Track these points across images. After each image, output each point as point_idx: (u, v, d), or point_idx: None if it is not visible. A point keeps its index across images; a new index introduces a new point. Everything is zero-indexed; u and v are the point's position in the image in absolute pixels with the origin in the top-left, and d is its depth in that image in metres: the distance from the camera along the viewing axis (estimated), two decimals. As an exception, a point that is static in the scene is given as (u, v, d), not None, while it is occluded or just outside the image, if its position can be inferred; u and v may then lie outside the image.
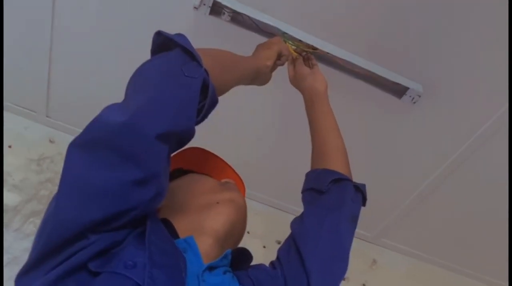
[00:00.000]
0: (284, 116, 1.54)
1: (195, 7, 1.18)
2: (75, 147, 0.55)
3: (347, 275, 1.80)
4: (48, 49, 1.47)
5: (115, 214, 0.53)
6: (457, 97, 1.35)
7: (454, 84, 1.32)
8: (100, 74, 1.51)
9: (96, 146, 0.54)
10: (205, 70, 0.62)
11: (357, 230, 1.99)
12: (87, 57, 1.47)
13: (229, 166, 0.93)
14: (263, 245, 1.74)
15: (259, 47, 0.99)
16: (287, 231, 0.81)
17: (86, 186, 0.53)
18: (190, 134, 0.61)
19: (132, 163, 0.54)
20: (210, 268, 0.63)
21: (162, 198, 0.59)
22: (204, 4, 1.20)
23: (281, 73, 1.04)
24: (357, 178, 0.87)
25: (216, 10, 1.22)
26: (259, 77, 0.92)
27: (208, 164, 0.91)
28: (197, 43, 0.67)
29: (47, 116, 1.71)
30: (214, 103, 0.65)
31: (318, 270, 0.70)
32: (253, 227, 1.73)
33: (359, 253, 1.90)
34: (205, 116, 0.64)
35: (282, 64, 1.02)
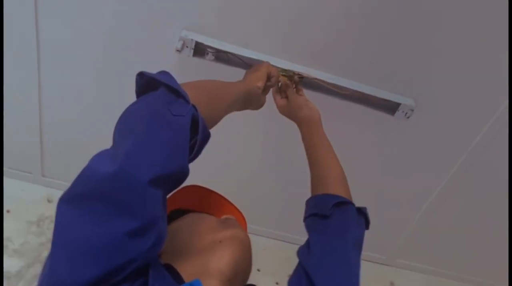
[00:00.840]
0: (282, 147, 1.53)
1: (177, 50, 1.19)
2: (64, 202, 0.52)
3: (366, 302, 1.76)
4: (37, 109, 1.48)
5: (114, 269, 0.50)
6: (450, 105, 1.35)
7: (446, 93, 1.32)
8: (90, 125, 1.51)
9: (87, 199, 0.52)
10: (193, 106, 0.61)
11: (370, 254, 1.96)
12: (75, 110, 1.48)
13: (228, 201, 0.91)
14: (275, 281, 1.69)
15: (248, 72, 1.00)
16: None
17: (79, 243, 0.50)
18: (183, 174, 0.59)
19: (127, 213, 0.51)
20: None
21: (162, 244, 0.56)
22: (187, 47, 1.21)
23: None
24: (360, 201, 0.84)
25: (199, 51, 1.23)
26: (251, 101, 0.92)
27: (206, 201, 0.89)
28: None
29: (43, 176, 1.69)
30: (206, 137, 0.63)
31: None
32: (263, 264, 1.69)
33: (376, 277, 1.85)
34: (198, 152, 0.62)
35: (273, 86, 1.03)
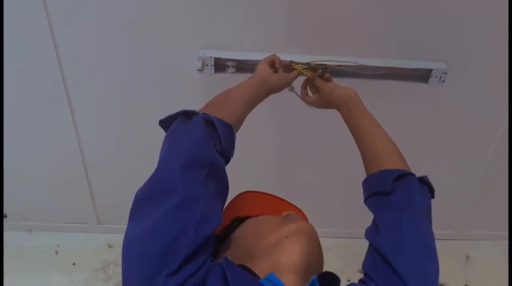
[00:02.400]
0: (327, 138, 1.51)
1: (199, 70, 1.21)
2: (128, 222, 0.60)
3: (444, 281, 1.69)
4: (81, 163, 1.53)
5: (169, 242, 0.55)
6: (483, 62, 1.30)
7: (477, 49, 1.27)
8: (131, 164, 1.53)
9: (138, 207, 0.60)
10: (203, 113, 0.70)
11: (439, 231, 1.88)
12: (116, 154, 1.51)
13: (283, 200, 0.90)
14: (346, 279, 1.64)
15: None
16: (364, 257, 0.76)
17: (138, 235, 0.57)
18: (211, 158, 0.65)
19: (166, 193, 0.58)
20: None
21: (213, 223, 0.60)
22: (207, 65, 1.23)
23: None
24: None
25: (220, 66, 1.24)
26: (267, 83, 0.94)
27: (262, 204, 0.89)
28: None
29: (99, 224, 1.74)
30: (228, 129, 0.71)
31: (413, 274, 0.65)
32: (328, 265, 1.64)
33: (449, 254, 1.77)
34: (227, 142, 0.69)
35: (280, 67, 1.03)
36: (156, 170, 0.63)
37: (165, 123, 0.73)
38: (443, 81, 1.25)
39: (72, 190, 1.63)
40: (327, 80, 1.06)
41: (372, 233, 0.75)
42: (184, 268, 0.54)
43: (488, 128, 1.47)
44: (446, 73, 1.24)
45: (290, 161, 1.58)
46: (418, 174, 0.82)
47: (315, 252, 0.69)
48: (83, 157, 1.53)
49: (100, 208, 1.70)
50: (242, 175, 1.38)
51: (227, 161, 0.71)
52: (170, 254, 0.54)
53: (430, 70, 1.24)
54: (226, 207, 0.88)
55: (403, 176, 0.76)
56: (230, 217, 0.83)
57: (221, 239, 0.79)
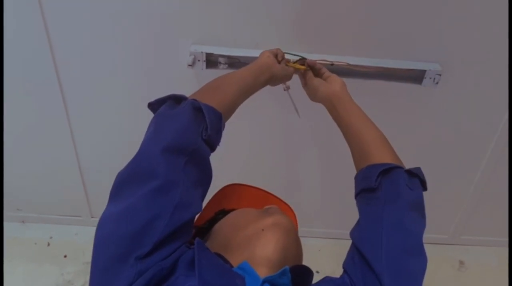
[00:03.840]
0: (322, 141, 1.51)
1: (189, 65, 1.20)
2: (107, 204, 0.59)
3: (439, 285, 1.67)
4: (74, 154, 1.54)
5: (143, 225, 0.54)
6: (478, 64, 1.28)
7: (472, 50, 1.26)
8: (125, 157, 1.53)
9: (117, 189, 0.59)
10: (192, 99, 0.68)
11: (433, 236, 1.86)
12: (109, 147, 1.51)
13: (270, 193, 0.89)
14: (338, 280, 1.63)
15: None
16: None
17: (114, 215, 0.56)
18: (194, 147, 0.64)
19: (147, 177, 0.58)
20: (270, 284, 0.59)
21: (190, 212, 0.60)
22: (199, 60, 1.22)
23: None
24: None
25: (212, 62, 1.24)
26: (270, 71, 0.92)
27: (248, 197, 0.88)
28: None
29: (92, 217, 1.74)
30: (216, 117, 0.69)
31: (390, 270, 0.62)
32: (321, 265, 1.63)
33: (443, 258, 1.75)
34: (213, 130, 0.68)
35: (282, 59, 1.01)
36: (138, 153, 0.62)
37: (153, 106, 0.72)
38: (437, 82, 1.23)
39: (66, 183, 1.63)
40: (318, 73, 1.04)
41: (354, 229, 0.73)
42: (155, 252, 0.54)
43: (484, 130, 1.45)
44: (440, 74, 1.22)
45: (283, 160, 1.57)
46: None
47: (291, 246, 0.68)
48: (76, 150, 1.53)
49: (93, 202, 1.70)
50: (231, 169, 1.39)
51: (212, 149, 0.70)
52: (142, 237, 0.54)
53: (424, 71, 1.23)
54: (211, 199, 0.88)
55: (390, 169, 0.73)
56: (215, 209, 0.82)
57: (204, 231, 0.79)
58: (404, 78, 1.26)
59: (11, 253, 1.60)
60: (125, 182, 0.59)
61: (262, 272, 0.62)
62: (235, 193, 0.88)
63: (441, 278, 1.68)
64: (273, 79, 0.94)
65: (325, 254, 1.68)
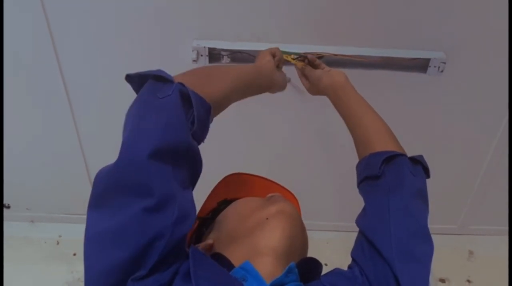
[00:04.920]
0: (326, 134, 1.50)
1: (194, 61, 1.20)
2: (88, 210, 0.53)
3: (446, 275, 1.66)
4: (81, 156, 1.55)
5: (142, 249, 0.49)
6: (484, 48, 1.26)
7: (476, 37, 1.24)
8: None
9: (102, 197, 0.52)
10: (179, 83, 0.60)
11: (441, 226, 1.84)
12: (114, 146, 1.51)
13: (272, 181, 0.88)
14: (347, 272, 1.63)
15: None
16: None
17: (102, 234, 0.51)
18: (186, 145, 0.58)
19: (139, 193, 0.51)
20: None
21: (189, 221, 0.55)
22: (201, 55, 1.22)
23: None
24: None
25: (215, 56, 1.24)
26: (267, 77, 0.88)
27: (250, 186, 0.87)
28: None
29: (100, 215, 1.75)
30: (204, 107, 0.62)
31: (400, 255, 0.61)
32: (329, 258, 1.63)
33: (452, 248, 1.74)
34: (200, 122, 0.61)
35: (280, 62, 0.99)
36: (122, 154, 0.54)
37: (132, 80, 0.64)
38: (442, 70, 1.22)
39: (73, 182, 1.64)
40: (317, 67, 1.04)
41: (360, 217, 0.72)
42: (154, 273, 0.50)
43: (491, 119, 1.44)
44: (444, 62, 1.21)
45: (289, 151, 1.56)
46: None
47: (297, 234, 0.67)
48: (83, 149, 1.54)
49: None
50: (235, 159, 1.38)
51: (198, 143, 0.63)
52: (140, 261, 0.49)
53: (428, 60, 1.22)
54: (214, 189, 0.86)
55: (393, 157, 0.73)
56: (217, 199, 0.81)
57: (207, 222, 0.78)
58: (408, 67, 1.25)
59: (21, 253, 1.62)
60: (111, 190, 0.52)
61: (267, 262, 0.61)
62: (238, 182, 0.87)
63: (451, 268, 1.67)
64: (273, 88, 0.91)
65: (333, 247, 1.68)
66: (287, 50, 1.09)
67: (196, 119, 0.59)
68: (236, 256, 0.63)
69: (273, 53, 0.96)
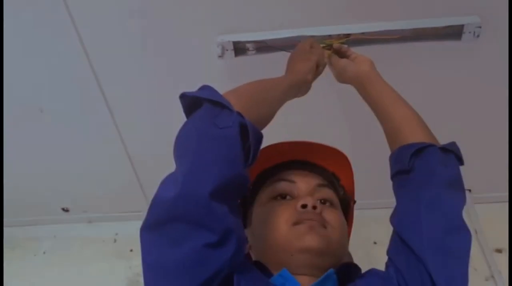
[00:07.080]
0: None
1: (219, 56, 1.21)
2: (145, 231, 0.58)
3: (503, 245, 1.59)
4: (127, 158, 1.62)
5: (205, 282, 0.53)
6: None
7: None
8: (169, 152, 1.58)
9: (161, 224, 0.56)
10: (238, 113, 0.61)
11: (497, 194, 1.72)
12: (157, 141, 1.57)
13: (315, 143, 0.90)
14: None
15: (294, 59, 0.95)
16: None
17: (165, 266, 0.55)
18: (242, 180, 0.61)
19: (201, 228, 0.55)
20: None
21: (243, 250, 0.59)
22: (227, 50, 1.22)
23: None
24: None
25: (240, 49, 1.24)
26: (300, 91, 0.89)
27: (289, 150, 0.89)
28: (235, 86, 0.71)
29: (151, 211, 1.82)
30: (258, 140, 0.64)
31: (432, 251, 0.62)
32: (378, 236, 1.62)
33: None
34: (254, 155, 0.63)
35: (320, 73, 0.98)
36: (184, 189, 0.56)
37: (185, 101, 0.66)
38: (478, 36, 1.16)
39: (124, 183, 1.73)
40: (343, 55, 1.02)
41: (392, 215, 0.73)
42: None
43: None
44: (480, 27, 1.14)
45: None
46: (453, 139, 0.76)
47: (329, 251, 0.69)
48: (127, 151, 1.60)
49: (150, 197, 1.78)
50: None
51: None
52: None
53: (462, 26, 1.15)
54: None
55: (422, 149, 0.72)
56: (256, 170, 0.86)
57: (246, 203, 0.83)
58: (441, 36, 1.19)
59: (81, 252, 1.73)
60: (173, 220, 0.55)
61: (304, 266, 0.64)
62: (274, 150, 0.88)
63: (508, 238, 1.61)
64: (298, 95, 0.90)
65: (381, 224, 1.65)
66: (316, 35, 1.06)
67: (252, 152, 0.62)
68: (274, 263, 0.66)
69: (319, 64, 0.94)
